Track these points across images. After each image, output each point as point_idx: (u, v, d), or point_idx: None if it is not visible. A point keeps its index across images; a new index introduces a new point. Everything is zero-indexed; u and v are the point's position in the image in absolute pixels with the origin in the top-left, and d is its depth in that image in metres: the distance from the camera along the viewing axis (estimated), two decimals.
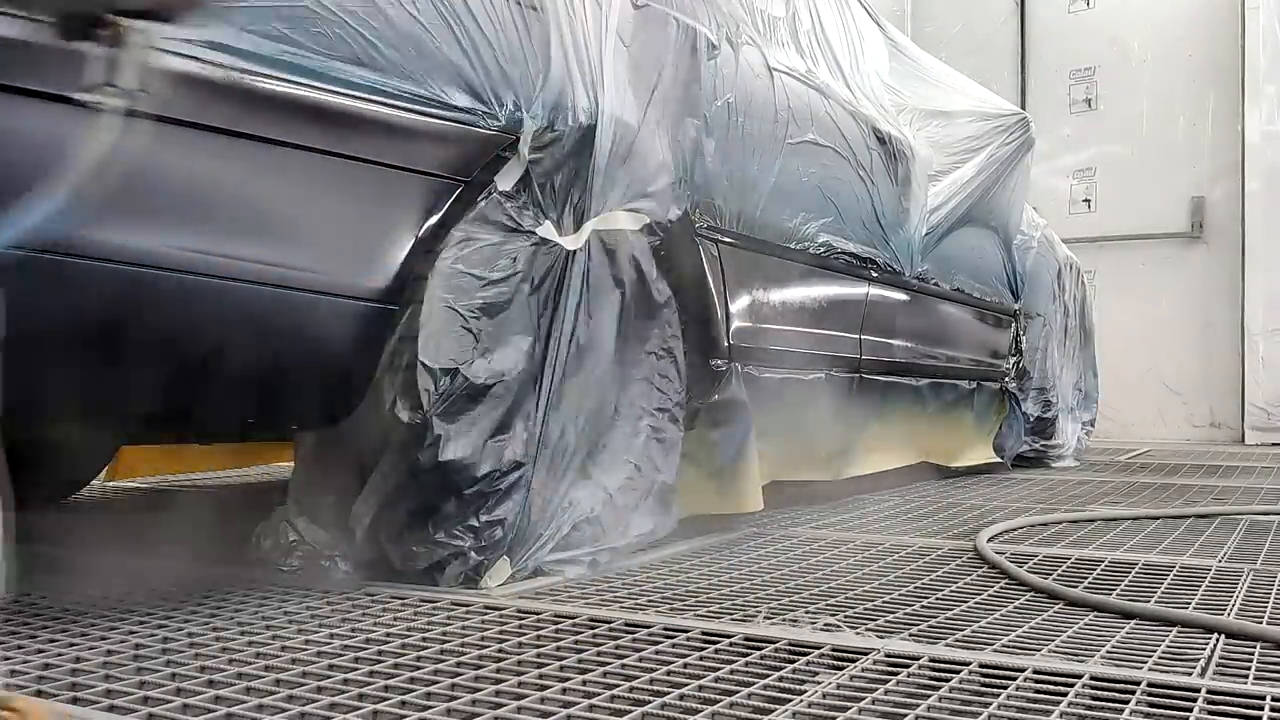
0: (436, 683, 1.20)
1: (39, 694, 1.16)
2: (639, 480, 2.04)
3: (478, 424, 1.68)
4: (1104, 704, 1.15)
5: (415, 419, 1.63)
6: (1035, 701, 1.16)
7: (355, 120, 1.51)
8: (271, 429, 1.91)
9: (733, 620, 1.51)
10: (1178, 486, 3.52)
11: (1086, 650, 1.36)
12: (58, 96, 1.21)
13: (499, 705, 1.12)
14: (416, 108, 1.57)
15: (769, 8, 2.69)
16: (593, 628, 1.46)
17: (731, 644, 1.37)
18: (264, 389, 1.56)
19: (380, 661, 1.28)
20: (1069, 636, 1.43)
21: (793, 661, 1.29)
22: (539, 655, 1.32)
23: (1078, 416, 4.92)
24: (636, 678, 1.22)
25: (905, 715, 1.10)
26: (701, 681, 1.20)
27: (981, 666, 1.27)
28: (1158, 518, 2.67)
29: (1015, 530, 2.44)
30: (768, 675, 1.23)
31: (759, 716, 1.10)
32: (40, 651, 1.33)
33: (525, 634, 1.42)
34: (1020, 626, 1.49)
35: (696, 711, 1.11)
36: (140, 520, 2.65)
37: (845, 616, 1.54)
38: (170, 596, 1.66)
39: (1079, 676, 1.22)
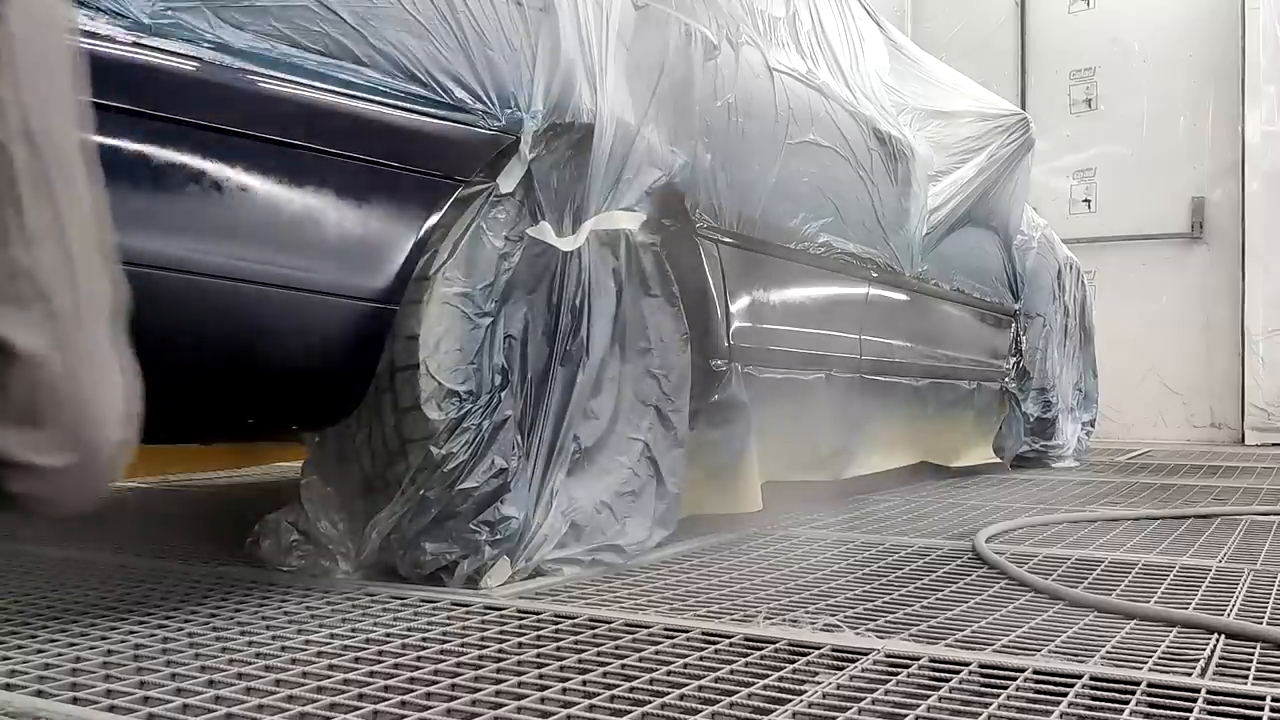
0: (436, 683, 1.20)
1: (39, 694, 1.16)
2: (638, 480, 2.04)
3: (483, 422, 1.68)
4: (1104, 704, 1.15)
5: (421, 421, 1.63)
6: (1035, 702, 1.16)
7: (356, 121, 1.51)
8: (271, 429, 1.91)
9: (733, 620, 1.51)
10: (1178, 487, 3.52)
11: (1086, 650, 1.36)
12: None
13: (499, 705, 1.12)
14: (417, 108, 1.57)
15: (769, 8, 2.69)
16: (593, 628, 1.46)
17: (731, 644, 1.37)
18: (264, 388, 1.56)
19: (380, 661, 1.28)
20: (1069, 637, 1.43)
21: (793, 661, 1.29)
22: (539, 655, 1.32)
23: (1078, 417, 4.92)
24: (636, 678, 1.22)
25: (905, 715, 1.10)
26: (701, 681, 1.20)
27: (981, 667, 1.27)
28: (1158, 518, 2.67)
29: (1015, 530, 2.44)
30: (768, 675, 1.23)
31: (759, 716, 1.10)
32: (40, 651, 1.33)
33: (525, 634, 1.42)
34: (1020, 627, 1.49)
35: (696, 711, 1.11)
36: (140, 520, 2.65)
37: (845, 616, 1.54)
38: (170, 596, 1.66)
39: (1079, 677, 1.22)
